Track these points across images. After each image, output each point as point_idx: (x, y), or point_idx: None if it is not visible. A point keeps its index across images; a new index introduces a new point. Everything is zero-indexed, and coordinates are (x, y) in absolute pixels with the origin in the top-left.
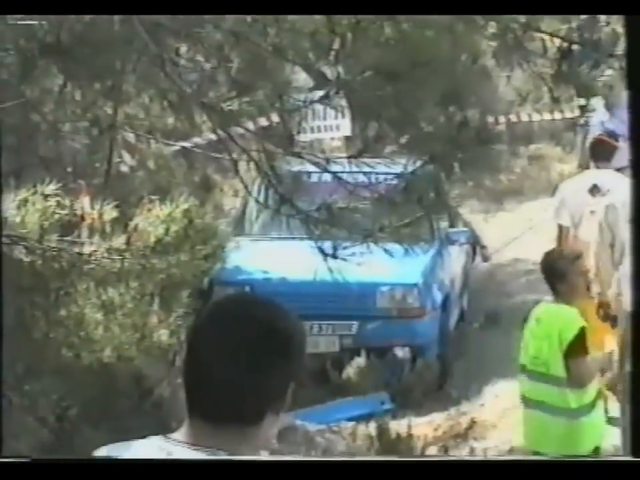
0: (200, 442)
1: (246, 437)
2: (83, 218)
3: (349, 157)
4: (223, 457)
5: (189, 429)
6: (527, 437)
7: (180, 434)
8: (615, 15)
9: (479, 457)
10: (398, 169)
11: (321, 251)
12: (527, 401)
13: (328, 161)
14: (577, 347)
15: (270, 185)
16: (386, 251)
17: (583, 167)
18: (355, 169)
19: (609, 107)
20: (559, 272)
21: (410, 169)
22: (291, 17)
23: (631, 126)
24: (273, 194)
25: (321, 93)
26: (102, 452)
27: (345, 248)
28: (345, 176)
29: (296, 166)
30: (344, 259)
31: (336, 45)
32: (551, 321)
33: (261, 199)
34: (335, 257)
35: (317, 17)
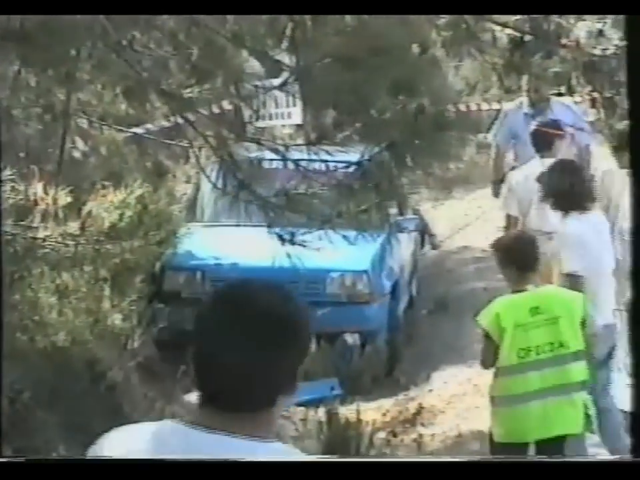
0: (214, 426)
1: (259, 420)
2: (36, 203)
3: (307, 144)
4: (236, 441)
5: (202, 414)
6: (524, 428)
7: (193, 417)
8: (615, 15)
9: (478, 458)
10: (355, 156)
11: (279, 237)
12: (531, 394)
13: (287, 147)
14: (585, 319)
15: (228, 170)
16: (344, 237)
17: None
18: (313, 156)
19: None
20: (530, 254)
21: (366, 156)
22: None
23: (631, 126)
24: (231, 180)
25: (277, 80)
26: (114, 434)
27: (302, 234)
28: (302, 163)
29: (253, 152)
30: (302, 245)
31: (293, 32)
32: (552, 303)
33: (219, 184)
34: (292, 242)
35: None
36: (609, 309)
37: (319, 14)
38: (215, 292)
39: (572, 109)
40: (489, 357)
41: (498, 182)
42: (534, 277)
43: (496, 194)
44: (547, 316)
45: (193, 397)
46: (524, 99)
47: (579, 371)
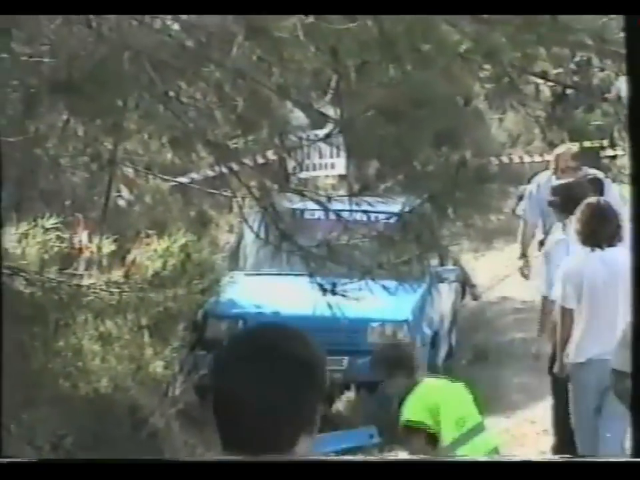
0: None
1: None
2: (81, 251)
3: (349, 195)
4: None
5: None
6: None
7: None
8: (615, 14)
9: (477, 458)
10: (396, 208)
11: (320, 286)
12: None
13: (329, 198)
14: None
15: (271, 221)
16: (384, 287)
17: None
18: (354, 207)
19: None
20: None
21: (408, 207)
22: (297, 57)
23: (631, 126)
24: (274, 230)
25: (322, 131)
26: None
27: (343, 284)
28: (344, 214)
29: (296, 203)
30: (343, 295)
31: (338, 84)
32: (446, 387)
33: (262, 234)
34: (333, 292)
35: (321, 55)
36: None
37: (331, 14)
38: (232, 337)
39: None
40: (424, 448)
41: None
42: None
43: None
44: (453, 392)
45: None
46: (550, 172)
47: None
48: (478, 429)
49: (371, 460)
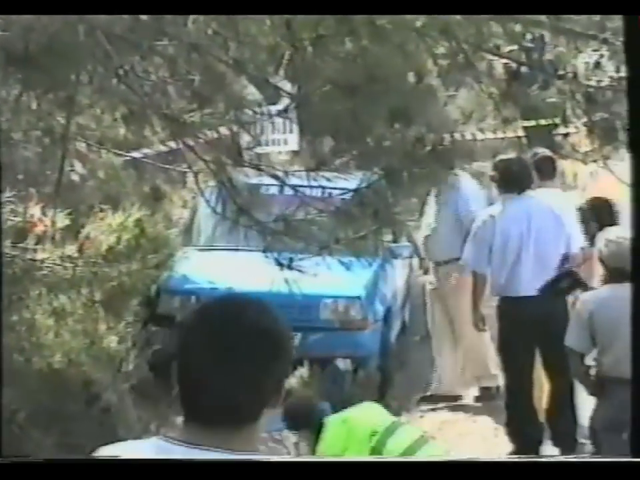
0: (198, 442)
1: (244, 435)
2: (34, 225)
3: (306, 171)
4: (221, 455)
5: (186, 430)
6: None
7: (178, 433)
8: (615, 14)
9: (477, 458)
10: (352, 183)
11: (277, 261)
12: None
13: (287, 174)
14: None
15: (227, 195)
16: (341, 263)
17: None
18: (311, 182)
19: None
20: None
21: (363, 183)
22: (252, 31)
23: (631, 127)
24: (231, 205)
25: (276, 107)
26: (102, 451)
27: (300, 259)
28: (301, 189)
29: (252, 178)
30: (299, 270)
31: (293, 59)
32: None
33: (219, 209)
34: (290, 267)
35: (277, 29)
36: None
37: (323, 14)
38: (196, 309)
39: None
40: None
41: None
42: None
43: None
44: (357, 423)
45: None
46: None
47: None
48: (390, 429)
49: (371, 460)
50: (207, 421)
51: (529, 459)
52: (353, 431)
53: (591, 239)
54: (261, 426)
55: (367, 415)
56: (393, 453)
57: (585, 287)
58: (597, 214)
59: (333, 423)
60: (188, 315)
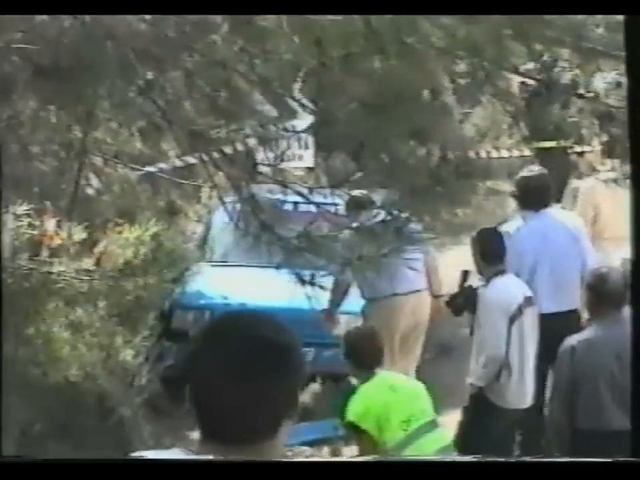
0: (217, 457)
1: (264, 450)
2: (51, 238)
3: (330, 187)
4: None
5: (205, 448)
6: None
7: (197, 449)
8: (615, 15)
9: (476, 458)
10: (377, 201)
11: (298, 277)
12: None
13: (311, 190)
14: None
15: (250, 211)
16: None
17: None
18: (336, 199)
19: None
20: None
21: (388, 201)
22: (280, 48)
23: (631, 128)
24: (250, 220)
25: (295, 122)
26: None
27: (321, 275)
28: (324, 205)
29: (273, 194)
30: (321, 287)
31: (320, 76)
32: (401, 381)
33: (240, 225)
34: (312, 284)
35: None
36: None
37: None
38: (204, 326)
39: None
40: (368, 449)
41: None
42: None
43: None
44: (404, 390)
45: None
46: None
47: (443, 435)
48: (427, 427)
49: (371, 460)
50: (225, 438)
51: (529, 459)
52: (390, 406)
53: (480, 271)
54: (281, 440)
55: (411, 396)
56: (425, 449)
57: None
58: (483, 246)
59: (380, 383)
60: (197, 332)
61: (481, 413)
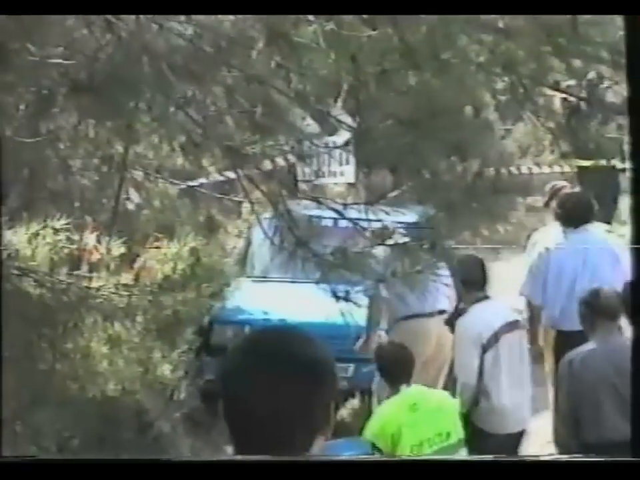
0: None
1: None
2: (90, 253)
3: (365, 204)
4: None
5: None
6: None
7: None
8: (615, 15)
9: (476, 457)
10: (411, 217)
11: (334, 293)
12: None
13: (345, 206)
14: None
15: (286, 227)
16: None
17: None
18: (370, 215)
19: None
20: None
21: (423, 217)
22: (316, 64)
23: (631, 129)
24: (287, 236)
25: (334, 138)
26: None
27: (356, 291)
28: (360, 222)
29: (310, 209)
30: (356, 303)
31: (357, 92)
32: (425, 399)
33: (276, 240)
34: (347, 299)
35: (342, 64)
36: None
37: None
38: (237, 342)
39: None
40: None
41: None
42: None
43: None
44: (426, 410)
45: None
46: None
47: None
48: (450, 449)
49: (370, 460)
50: (258, 454)
51: (529, 458)
52: (408, 426)
53: (459, 299)
54: (316, 452)
55: (436, 418)
56: None
57: None
58: (463, 274)
59: (401, 401)
60: (230, 348)
61: (469, 437)
